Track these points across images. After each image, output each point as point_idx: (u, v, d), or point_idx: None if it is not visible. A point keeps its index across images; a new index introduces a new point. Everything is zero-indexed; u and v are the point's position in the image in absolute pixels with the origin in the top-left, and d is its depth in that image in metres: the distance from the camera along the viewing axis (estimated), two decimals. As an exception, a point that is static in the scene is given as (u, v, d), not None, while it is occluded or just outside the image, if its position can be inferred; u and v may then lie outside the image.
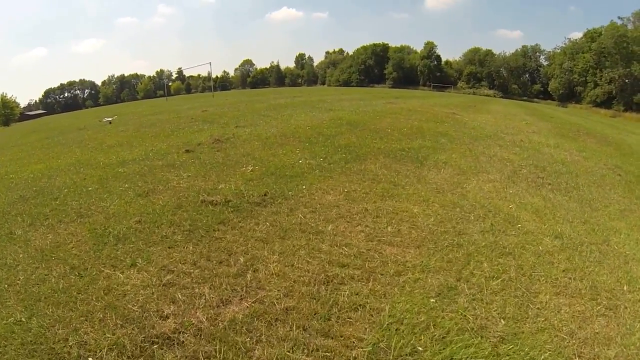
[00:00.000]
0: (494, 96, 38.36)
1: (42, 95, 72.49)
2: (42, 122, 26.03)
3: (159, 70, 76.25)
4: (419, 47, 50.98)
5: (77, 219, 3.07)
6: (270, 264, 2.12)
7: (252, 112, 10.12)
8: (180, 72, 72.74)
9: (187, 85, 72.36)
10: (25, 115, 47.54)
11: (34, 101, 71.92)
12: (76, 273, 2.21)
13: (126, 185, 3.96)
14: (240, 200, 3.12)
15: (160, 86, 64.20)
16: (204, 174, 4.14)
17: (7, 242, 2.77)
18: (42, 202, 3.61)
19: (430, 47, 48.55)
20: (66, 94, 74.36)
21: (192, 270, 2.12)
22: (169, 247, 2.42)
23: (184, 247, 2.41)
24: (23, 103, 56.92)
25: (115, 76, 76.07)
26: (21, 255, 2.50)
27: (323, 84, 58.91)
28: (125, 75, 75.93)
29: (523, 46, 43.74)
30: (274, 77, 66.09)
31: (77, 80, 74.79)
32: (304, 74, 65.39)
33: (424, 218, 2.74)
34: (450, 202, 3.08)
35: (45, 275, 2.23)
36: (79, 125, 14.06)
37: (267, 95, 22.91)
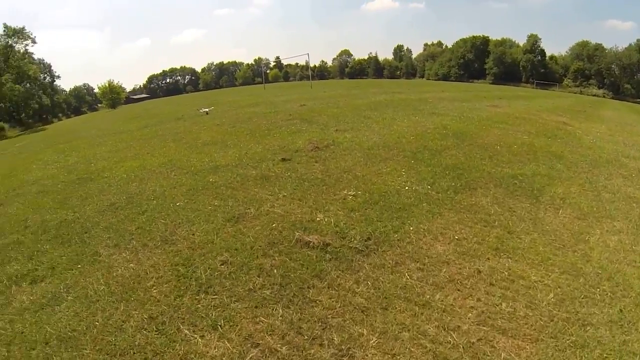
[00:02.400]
0: (604, 96, 47.05)
1: (146, 81, 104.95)
2: (144, 107, 36.52)
3: (257, 58, 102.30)
4: (520, 39, 65.14)
5: (161, 245, 3.92)
6: (368, 349, 2.53)
7: (352, 111, 12.33)
8: (278, 60, 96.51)
9: (285, 73, 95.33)
10: (130, 98, 70.05)
11: (138, 86, 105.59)
12: (154, 327, 2.75)
13: (215, 203, 4.89)
14: (341, 244, 3.71)
15: (258, 73, 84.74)
16: (300, 195, 5.04)
17: (91, 265, 3.73)
18: (129, 216, 4.81)
19: (533, 41, 61.14)
20: (168, 80, 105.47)
21: (280, 347, 2.50)
22: (255, 307, 2.89)
23: (272, 310, 2.86)
24: (129, 87, 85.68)
25: (215, 63, 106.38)
26: (102, 288, 3.28)
27: (422, 77, 76.44)
28: (225, 62, 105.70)
29: (638, 40, 51.85)
30: (372, 69, 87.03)
31: (178, 67, 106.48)
32: (402, 67, 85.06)
33: (543, 292, 3.20)
34: (572, 265, 3.62)
35: (123, 322, 2.82)
36: (177, 115, 19.20)
37: (366, 88, 28.29)
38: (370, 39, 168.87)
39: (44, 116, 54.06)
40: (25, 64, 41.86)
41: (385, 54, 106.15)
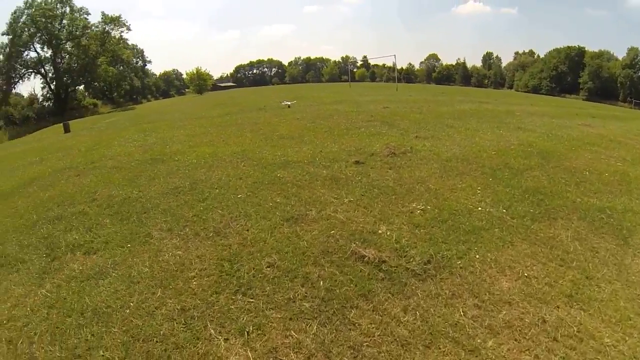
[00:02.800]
0: None
1: (233, 70, 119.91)
2: (229, 95, 39.77)
3: (344, 56, 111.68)
4: (619, 52, 63.23)
5: (213, 236, 4.09)
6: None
7: (435, 118, 12.19)
8: (365, 59, 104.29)
9: (371, 73, 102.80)
10: (217, 86, 79.12)
11: (226, 74, 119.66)
12: (183, 320, 2.86)
13: (277, 200, 4.99)
14: (397, 263, 3.67)
15: (345, 71, 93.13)
16: (367, 203, 5.04)
17: (141, 245, 4.03)
18: (189, 202, 5.14)
19: (634, 55, 59.75)
20: (255, 71, 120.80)
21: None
22: (290, 319, 2.87)
23: (307, 325, 2.84)
24: (216, 75, 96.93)
25: (302, 58, 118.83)
26: (146, 270, 3.50)
27: (510, 87, 79.06)
28: (312, 58, 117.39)
29: None
30: (459, 75, 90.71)
31: (265, 59, 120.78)
32: (490, 75, 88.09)
33: (616, 360, 2.80)
34: (658, 332, 3.18)
35: (155, 308, 2.99)
36: (260, 105, 20.52)
37: (452, 95, 28.06)
38: (459, 44, 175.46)
39: (134, 97, 63.86)
40: (119, 48, 50.42)
41: (474, 61, 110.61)
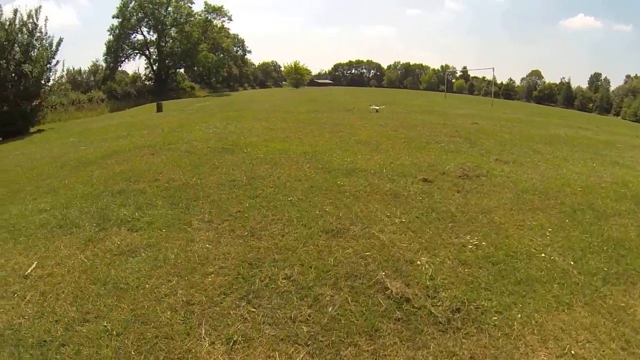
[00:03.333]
0: None
1: (332, 68, 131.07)
2: (323, 92, 40.93)
3: (444, 64, 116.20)
4: None
5: (247, 236, 4.27)
6: None
7: (523, 141, 11.61)
8: (465, 70, 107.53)
9: (470, 85, 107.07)
10: (314, 81, 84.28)
11: (324, 71, 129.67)
12: (182, 313, 3.05)
13: (326, 209, 5.03)
14: (421, 304, 3.44)
15: (443, 80, 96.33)
16: (418, 227, 4.86)
17: (178, 232, 4.35)
18: (239, 197, 5.41)
19: None
20: (353, 71, 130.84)
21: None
22: (281, 340, 2.85)
23: (295, 351, 2.77)
24: (314, 71, 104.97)
25: (401, 63, 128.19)
26: (172, 257, 3.80)
27: (617, 114, 76.89)
28: (411, 63, 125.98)
29: None
30: (562, 96, 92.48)
31: (364, 60, 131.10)
32: (596, 99, 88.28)
33: None
34: None
35: (165, 296, 3.24)
36: (349, 106, 20.90)
37: (549, 117, 26.29)
38: (564, 62, 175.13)
39: (232, 84, 69.47)
40: (220, 37, 57.08)
41: (579, 82, 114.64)
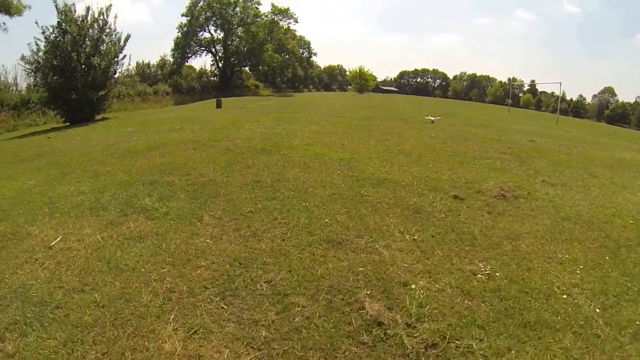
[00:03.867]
0: None
1: (397, 75, 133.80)
2: (385, 99, 40.91)
3: (511, 77, 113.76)
4: None
5: (249, 236, 4.43)
6: None
7: (581, 163, 10.89)
8: (533, 84, 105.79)
9: (537, 100, 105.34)
10: (379, 88, 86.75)
11: (390, 78, 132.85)
12: (162, 298, 3.31)
13: (338, 218, 5.04)
14: (395, 332, 3.25)
15: (509, 94, 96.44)
16: (430, 247, 4.64)
17: (187, 225, 4.65)
18: (257, 197, 5.62)
19: None
20: (418, 79, 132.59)
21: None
22: (236, 339, 2.94)
23: (244, 352, 2.83)
24: (380, 77, 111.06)
25: (467, 74, 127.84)
26: (172, 247, 4.09)
27: None
28: (477, 74, 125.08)
29: None
30: (636, 117, 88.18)
31: (430, 69, 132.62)
32: None
33: None
34: None
35: (153, 281, 3.50)
36: (406, 116, 20.80)
37: (618, 138, 24.09)
38: None
39: (296, 84, 70.87)
40: (286, 38, 59.98)
41: None
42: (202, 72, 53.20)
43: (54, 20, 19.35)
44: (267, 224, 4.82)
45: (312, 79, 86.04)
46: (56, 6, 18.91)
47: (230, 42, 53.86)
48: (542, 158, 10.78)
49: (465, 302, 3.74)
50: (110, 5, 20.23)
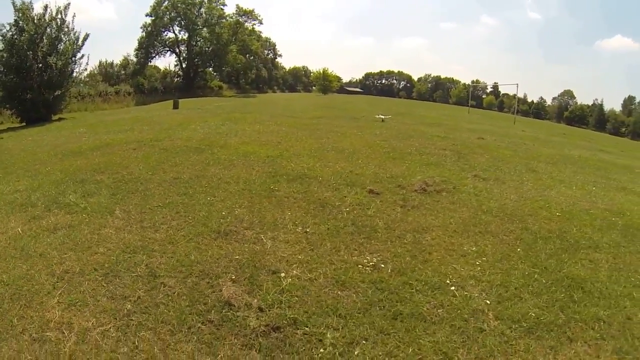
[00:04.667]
0: None
1: (362, 77, 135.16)
2: (346, 100, 41.00)
3: (474, 80, 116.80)
4: None
5: (146, 227, 4.87)
6: None
7: (525, 159, 10.86)
8: (495, 87, 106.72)
9: (499, 102, 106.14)
10: (344, 89, 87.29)
11: (355, 79, 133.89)
12: (51, 281, 3.68)
13: (236, 212, 5.43)
14: (247, 314, 3.41)
15: (473, 96, 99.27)
16: (319, 238, 4.78)
17: (98, 218, 5.10)
18: (167, 193, 6.07)
19: None
20: (383, 81, 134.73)
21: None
22: (102, 312, 3.32)
23: (108, 326, 3.13)
24: (346, 79, 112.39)
25: (432, 76, 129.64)
26: (79, 237, 4.52)
27: None
28: (442, 77, 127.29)
29: None
30: (594, 118, 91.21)
31: (395, 71, 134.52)
32: (629, 123, 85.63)
33: None
34: None
35: (52, 265, 3.90)
36: (358, 115, 21.29)
37: (573, 137, 25.30)
38: (598, 83, 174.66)
39: (261, 85, 70.48)
40: (250, 39, 59.88)
41: (613, 104, 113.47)
42: (167, 73, 52.78)
43: (11, 18, 19.10)
44: (169, 216, 5.21)
45: (276, 80, 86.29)
46: (13, 3, 18.76)
47: (194, 43, 53.48)
48: (484, 154, 10.84)
49: (336, 291, 3.76)
50: (69, 4, 20.11)
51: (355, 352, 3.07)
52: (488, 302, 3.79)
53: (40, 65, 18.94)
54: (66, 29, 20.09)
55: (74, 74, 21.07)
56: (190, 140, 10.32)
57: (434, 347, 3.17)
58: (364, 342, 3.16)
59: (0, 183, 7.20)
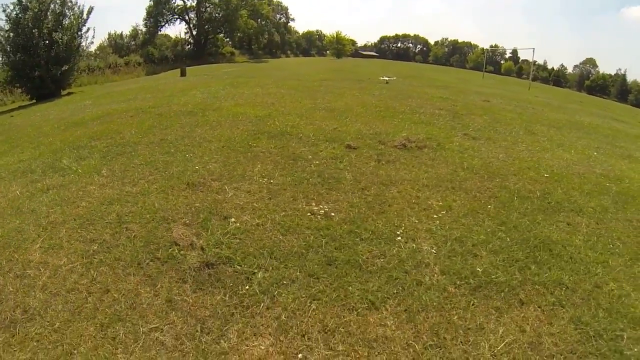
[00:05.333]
0: None
1: (377, 40, 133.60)
2: (357, 64, 40.77)
3: (493, 44, 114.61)
4: None
5: (127, 184, 5.27)
6: None
7: (525, 122, 10.48)
8: (515, 52, 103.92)
9: (518, 68, 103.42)
10: (358, 53, 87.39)
11: (370, 43, 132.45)
12: (34, 230, 4.13)
13: (209, 167, 5.73)
14: (189, 253, 3.72)
15: (491, 61, 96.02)
16: (280, 189, 5.02)
17: (86, 178, 5.56)
18: (151, 153, 6.48)
19: None
20: (399, 45, 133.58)
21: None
22: (46, 250, 3.74)
23: (67, 265, 3.53)
24: (361, 42, 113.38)
25: (449, 40, 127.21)
26: (71, 197, 5.01)
27: None
28: (459, 41, 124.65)
29: None
30: (616, 89, 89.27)
31: (411, 34, 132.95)
32: None
33: None
34: None
35: (40, 218, 4.33)
36: (364, 78, 21.29)
37: (588, 105, 23.86)
38: (624, 52, 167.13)
39: (274, 50, 69.49)
40: (260, 3, 59.34)
41: (637, 75, 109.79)
42: (178, 41, 52.81)
43: (9, -1, 19.42)
44: (147, 172, 5.62)
45: (290, 44, 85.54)
46: (15, -17, 18.90)
47: (203, 9, 53.18)
48: (483, 116, 10.66)
49: (278, 236, 3.94)
50: (71, -22, 20.18)
51: (279, 292, 3.22)
52: (437, 256, 3.72)
53: (47, 41, 19.34)
54: (70, 4, 20.39)
55: (80, 48, 21.42)
56: (186, 105, 10.68)
57: (362, 295, 3.18)
58: (291, 283, 3.30)
59: (7, 155, 7.70)
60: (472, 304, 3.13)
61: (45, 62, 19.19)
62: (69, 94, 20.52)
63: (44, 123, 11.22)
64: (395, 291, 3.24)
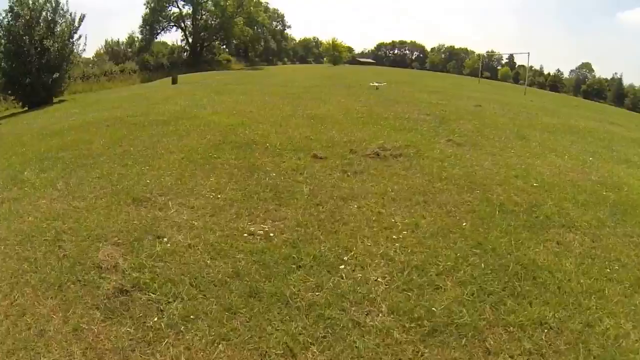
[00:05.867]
0: None
1: (374, 47, 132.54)
2: (351, 71, 40.44)
3: (489, 50, 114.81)
4: None
5: (76, 199, 5.26)
6: None
7: (517, 127, 10.20)
8: (511, 58, 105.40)
9: (515, 74, 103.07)
10: (356, 60, 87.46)
11: (367, 50, 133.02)
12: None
13: (162, 180, 5.69)
14: (110, 276, 3.49)
15: (487, 67, 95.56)
16: (228, 203, 4.84)
17: (42, 191, 5.56)
18: (109, 166, 6.45)
19: None
20: (396, 51, 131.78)
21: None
22: None
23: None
24: (357, 50, 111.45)
25: (445, 46, 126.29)
26: (20, 210, 5.00)
27: None
28: (455, 47, 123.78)
29: None
30: (612, 93, 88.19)
31: (408, 41, 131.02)
32: None
33: None
34: None
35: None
36: (352, 84, 21.31)
37: (583, 109, 23.44)
38: (620, 57, 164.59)
39: (270, 58, 69.91)
40: (256, 11, 58.94)
41: (632, 79, 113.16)
42: (174, 48, 52.94)
43: (5, 4, 19.44)
44: (99, 187, 5.59)
45: (286, 52, 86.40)
46: (6, -10, 18.94)
47: (199, 17, 53.35)
48: (473, 121, 10.40)
49: (207, 260, 3.66)
50: (62, -15, 20.21)
51: (188, 328, 2.87)
52: (387, 289, 3.21)
53: (38, 49, 19.38)
54: (61, 11, 20.46)
55: (72, 56, 21.51)
56: (163, 114, 10.77)
57: (281, 337, 2.73)
58: (202, 318, 2.93)
59: (-19, 166, 7.74)
60: (420, 355, 2.58)
61: (37, 69, 19.19)
62: (60, 101, 20.56)
63: (26, 132, 11.21)
64: (322, 335, 2.75)
